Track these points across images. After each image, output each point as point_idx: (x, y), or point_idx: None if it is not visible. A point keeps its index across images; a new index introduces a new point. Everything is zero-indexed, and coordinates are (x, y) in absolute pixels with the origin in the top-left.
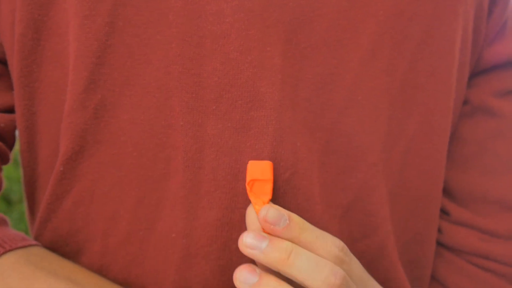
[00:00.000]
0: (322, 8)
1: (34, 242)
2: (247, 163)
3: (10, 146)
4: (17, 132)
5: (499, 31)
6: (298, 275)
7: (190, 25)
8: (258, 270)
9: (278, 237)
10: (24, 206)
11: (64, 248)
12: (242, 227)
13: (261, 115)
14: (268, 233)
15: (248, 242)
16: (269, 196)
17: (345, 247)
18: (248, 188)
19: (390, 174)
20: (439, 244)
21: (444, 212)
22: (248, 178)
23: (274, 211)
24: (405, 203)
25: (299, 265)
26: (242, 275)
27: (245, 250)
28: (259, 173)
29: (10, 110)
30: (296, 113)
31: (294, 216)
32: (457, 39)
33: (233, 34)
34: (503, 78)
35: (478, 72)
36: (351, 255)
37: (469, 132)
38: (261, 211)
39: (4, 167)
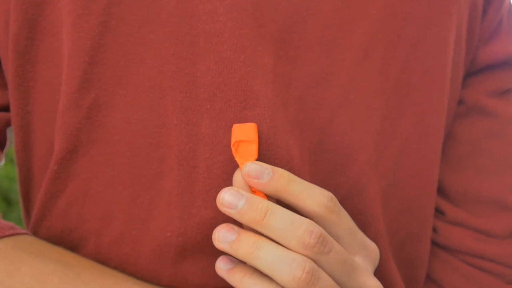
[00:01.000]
0: (315, 7)
1: (23, 231)
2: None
3: (2, 144)
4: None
5: (494, 30)
6: (273, 235)
7: (183, 24)
8: (236, 228)
9: (265, 191)
10: None
11: (59, 246)
12: (237, 225)
13: (255, 114)
14: (255, 191)
15: (225, 199)
16: (255, 156)
17: (334, 198)
18: (233, 149)
19: (383, 173)
20: (435, 244)
21: (439, 211)
22: (232, 140)
23: (255, 165)
24: (398, 203)
25: (274, 224)
26: (220, 234)
27: (221, 208)
28: (243, 134)
29: (0, 108)
30: (288, 112)
31: (279, 169)
32: (450, 39)
33: (226, 33)
34: (498, 78)
35: (473, 72)
36: (340, 206)
37: (464, 132)
38: (243, 167)
39: (4, 166)
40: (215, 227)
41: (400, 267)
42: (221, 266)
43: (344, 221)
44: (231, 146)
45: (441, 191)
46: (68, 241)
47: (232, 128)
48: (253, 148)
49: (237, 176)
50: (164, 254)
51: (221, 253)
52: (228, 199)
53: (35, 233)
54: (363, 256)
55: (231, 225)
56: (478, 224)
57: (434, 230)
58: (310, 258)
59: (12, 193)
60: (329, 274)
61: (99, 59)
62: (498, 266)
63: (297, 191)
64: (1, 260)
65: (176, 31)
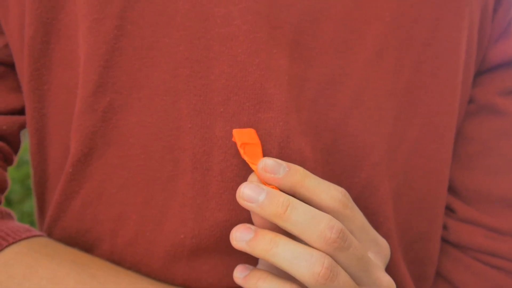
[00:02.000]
0: (328, 9)
1: (38, 233)
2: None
3: (15, 147)
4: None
5: (504, 30)
6: (294, 228)
7: (198, 28)
8: (253, 227)
9: (281, 186)
10: (24, 206)
11: (74, 247)
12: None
13: (269, 117)
14: (271, 186)
15: (245, 193)
16: (261, 158)
17: (347, 194)
18: (241, 151)
19: (394, 173)
20: (445, 241)
21: (450, 209)
22: (238, 143)
23: (271, 160)
24: (409, 203)
25: (295, 219)
26: (238, 234)
27: (242, 203)
28: (246, 138)
29: (13, 112)
30: (302, 114)
31: (293, 165)
32: (462, 40)
33: (241, 36)
34: (508, 76)
35: (483, 70)
36: (353, 202)
37: (474, 131)
38: (258, 164)
39: None
40: (228, 230)
41: (410, 266)
42: (238, 275)
43: (357, 217)
44: (239, 147)
45: (452, 189)
46: (83, 242)
47: (234, 133)
48: (259, 151)
49: (253, 177)
50: (178, 255)
51: (233, 252)
52: (248, 193)
53: (50, 233)
54: (375, 252)
55: (248, 225)
56: (489, 222)
57: (445, 228)
58: (328, 253)
59: (12, 193)
60: (345, 270)
61: (114, 62)
62: (509, 263)
63: (312, 185)
64: (18, 264)
65: (191, 35)
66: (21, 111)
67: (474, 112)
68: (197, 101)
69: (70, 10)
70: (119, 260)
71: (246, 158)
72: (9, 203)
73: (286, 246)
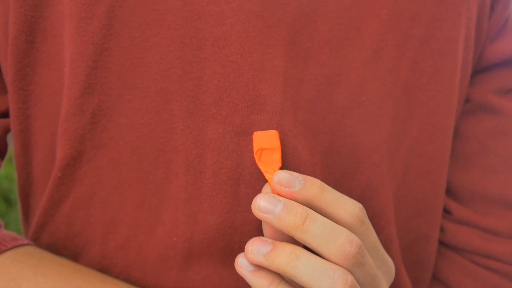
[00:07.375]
0: (324, 8)
1: (26, 242)
2: (248, 167)
3: (2, 152)
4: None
5: (501, 28)
6: (312, 241)
7: (189, 27)
8: (269, 240)
9: (297, 200)
10: None
11: (63, 251)
12: (244, 230)
13: (262, 119)
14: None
15: (261, 205)
16: (279, 164)
17: (364, 210)
18: (256, 157)
19: (394, 175)
20: (441, 243)
21: (446, 211)
22: (255, 148)
23: (286, 173)
24: (408, 204)
25: (314, 231)
26: (254, 247)
27: (258, 214)
28: (265, 142)
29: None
30: (298, 115)
31: (310, 177)
32: (460, 38)
33: (233, 36)
34: (505, 75)
35: (480, 69)
36: (368, 219)
37: (471, 130)
38: (273, 176)
39: (5, 167)
40: (221, 233)
41: (408, 269)
42: (244, 265)
43: (371, 235)
44: (254, 154)
45: (448, 190)
46: (72, 246)
47: (253, 136)
48: (277, 156)
49: (266, 188)
50: (170, 259)
51: (227, 262)
52: (264, 204)
53: (37, 238)
54: (382, 272)
55: (264, 238)
56: (485, 223)
57: (441, 229)
58: (347, 269)
59: (12, 193)
60: None
61: (103, 63)
62: (505, 265)
63: (330, 199)
64: (2, 276)
65: (182, 34)
66: (7, 114)
67: (471, 111)
68: (189, 103)
69: (56, 9)
70: (109, 264)
71: (261, 166)
72: (9, 203)
73: (307, 260)
